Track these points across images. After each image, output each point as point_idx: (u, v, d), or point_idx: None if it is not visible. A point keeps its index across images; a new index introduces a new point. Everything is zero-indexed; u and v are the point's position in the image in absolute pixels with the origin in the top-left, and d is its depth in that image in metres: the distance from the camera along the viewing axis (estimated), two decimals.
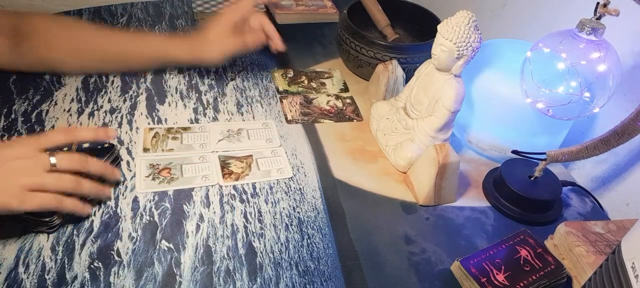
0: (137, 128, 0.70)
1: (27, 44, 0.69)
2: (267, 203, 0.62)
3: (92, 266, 0.51)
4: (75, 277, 0.50)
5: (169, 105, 0.76)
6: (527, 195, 0.65)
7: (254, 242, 0.57)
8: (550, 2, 0.83)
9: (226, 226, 0.58)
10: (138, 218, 0.57)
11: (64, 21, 0.73)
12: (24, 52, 0.70)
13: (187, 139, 0.70)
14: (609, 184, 0.74)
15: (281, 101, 0.81)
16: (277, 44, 0.78)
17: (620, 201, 0.72)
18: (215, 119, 0.75)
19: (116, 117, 0.72)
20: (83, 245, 0.53)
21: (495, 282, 0.53)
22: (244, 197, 0.63)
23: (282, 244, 0.57)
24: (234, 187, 0.64)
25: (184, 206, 0.60)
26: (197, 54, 0.76)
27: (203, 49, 0.75)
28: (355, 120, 0.80)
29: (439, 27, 0.65)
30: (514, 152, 0.69)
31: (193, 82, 0.82)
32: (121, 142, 0.67)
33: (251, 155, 0.69)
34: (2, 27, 0.68)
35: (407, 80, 0.76)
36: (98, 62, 0.75)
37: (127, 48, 0.74)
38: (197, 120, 0.74)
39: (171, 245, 0.55)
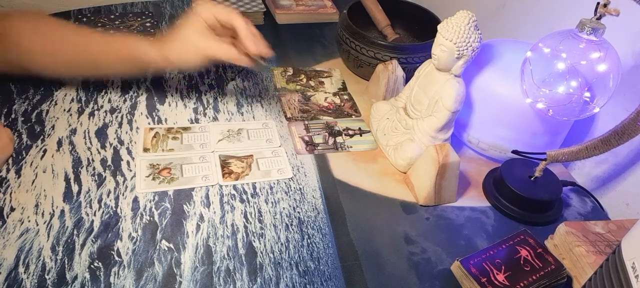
0: (137, 128, 0.70)
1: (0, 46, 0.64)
2: (267, 203, 0.62)
3: (92, 266, 0.51)
4: (75, 277, 0.50)
5: (169, 105, 0.76)
6: (527, 195, 0.65)
7: (254, 242, 0.57)
8: (550, 2, 0.83)
9: (226, 226, 0.58)
10: (138, 218, 0.57)
11: (42, 21, 0.66)
12: None
13: (187, 138, 0.70)
14: (609, 184, 0.74)
15: (280, 98, 0.81)
16: (260, 49, 0.66)
17: (620, 201, 0.72)
18: (215, 119, 0.75)
19: (116, 117, 0.72)
20: (83, 245, 0.53)
21: (496, 282, 0.53)
22: (244, 197, 0.63)
23: (282, 244, 0.57)
24: (234, 187, 0.64)
25: (184, 206, 0.60)
26: (171, 58, 0.66)
27: (175, 52, 0.65)
28: (353, 116, 0.80)
29: (439, 27, 0.65)
30: (514, 152, 0.69)
31: (193, 82, 0.82)
32: (121, 142, 0.67)
33: (251, 155, 0.69)
34: None
35: (407, 80, 0.76)
36: (70, 64, 0.69)
37: (100, 48, 0.68)
38: (197, 120, 0.74)
39: (171, 245, 0.55)
